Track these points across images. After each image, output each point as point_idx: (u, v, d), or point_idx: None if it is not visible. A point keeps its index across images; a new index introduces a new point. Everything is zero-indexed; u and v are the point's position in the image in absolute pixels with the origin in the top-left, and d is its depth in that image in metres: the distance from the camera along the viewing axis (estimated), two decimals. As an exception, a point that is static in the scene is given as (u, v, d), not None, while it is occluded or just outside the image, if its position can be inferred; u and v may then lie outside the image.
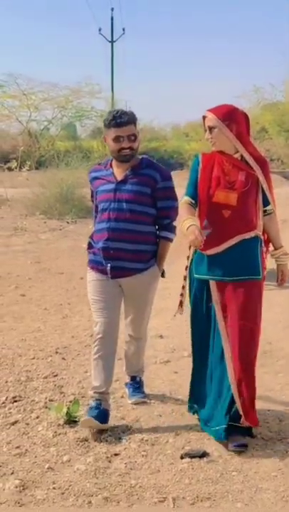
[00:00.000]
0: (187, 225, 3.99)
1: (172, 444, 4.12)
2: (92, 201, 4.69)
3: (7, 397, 4.87)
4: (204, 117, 4.19)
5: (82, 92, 33.80)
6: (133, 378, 4.87)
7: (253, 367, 4.12)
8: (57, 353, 5.98)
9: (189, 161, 29.98)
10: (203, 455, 3.93)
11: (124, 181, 4.42)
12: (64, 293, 8.58)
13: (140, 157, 4.53)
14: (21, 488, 3.55)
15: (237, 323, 4.06)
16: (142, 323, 4.69)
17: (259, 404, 4.32)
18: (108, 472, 3.75)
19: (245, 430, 4.14)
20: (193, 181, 4.24)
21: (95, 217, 4.59)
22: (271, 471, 3.78)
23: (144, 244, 4.43)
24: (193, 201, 4.20)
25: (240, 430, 4.10)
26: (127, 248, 4.35)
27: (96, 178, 4.56)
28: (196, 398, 4.36)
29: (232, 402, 4.07)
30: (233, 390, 4.05)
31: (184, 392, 4.93)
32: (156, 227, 4.57)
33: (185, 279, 4.32)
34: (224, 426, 4.04)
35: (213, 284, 4.15)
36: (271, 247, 4.40)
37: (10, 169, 20.21)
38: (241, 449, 3.99)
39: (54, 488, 3.56)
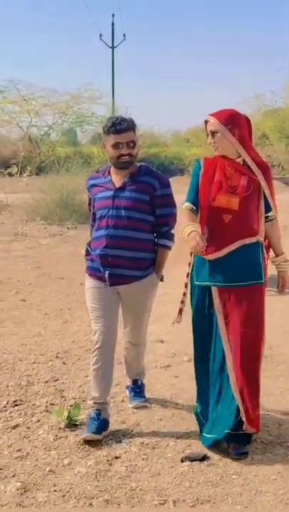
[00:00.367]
0: (188, 231, 3.97)
1: (173, 447, 4.14)
2: (90, 209, 4.69)
3: (8, 401, 4.89)
4: (206, 122, 4.17)
5: (82, 97, 33.83)
6: (134, 382, 4.89)
7: (256, 375, 4.07)
8: (57, 357, 6.00)
9: (190, 166, 30.08)
10: (204, 458, 3.96)
11: (122, 188, 4.42)
12: (64, 298, 8.60)
13: (138, 164, 4.53)
14: (23, 490, 3.58)
15: (239, 330, 4.03)
16: (140, 331, 4.70)
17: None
18: (109, 475, 3.78)
19: (246, 436, 4.09)
20: (194, 187, 4.22)
21: (92, 225, 4.58)
22: (271, 474, 3.80)
23: (143, 252, 4.43)
24: (194, 207, 4.18)
25: (240, 437, 4.05)
26: (126, 255, 4.35)
27: (94, 185, 4.56)
28: (201, 404, 4.29)
29: (237, 410, 4.01)
30: (236, 398, 4.01)
31: (184, 396, 4.97)
32: (154, 234, 4.56)
33: (186, 286, 4.29)
34: (227, 431, 4.01)
35: (214, 291, 4.11)
36: (272, 254, 4.37)
37: (10, 175, 20.23)
38: (242, 457, 4.00)
39: (55, 490, 3.59)
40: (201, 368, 4.28)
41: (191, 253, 4.18)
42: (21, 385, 5.26)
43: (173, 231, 4.58)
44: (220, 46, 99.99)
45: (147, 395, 4.91)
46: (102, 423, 4.28)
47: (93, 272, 4.48)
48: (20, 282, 9.61)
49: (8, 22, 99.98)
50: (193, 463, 3.91)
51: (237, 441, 4.03)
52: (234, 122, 4.11)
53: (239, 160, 4.17)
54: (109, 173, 4.53)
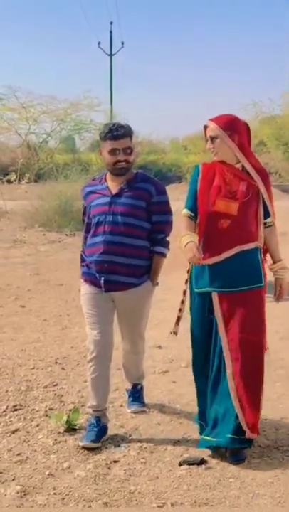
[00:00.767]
0: (185, 241, 3.96)
1: (171, 451, 4.18)
2: (84, 220, 4.66)
3: (8, 406, 4.93)
4: (206, 127, 4.16)
5: (81, 105, 33.98)
6: (134, 386, 4.91)
7: (257, 382, 4.05)
8: (56, 363, 6.04)
9: (188, 174, 30.14)
10: (201, 462, 3.99)
11: (119, 194, 4.42)
12: (63, 304, 8.64)
13: (135, 171, 4.54)
14: (22, 493, 3.62)
15: (239, 337, 4.02)
16: (138, 339, 4.69)
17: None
18: (108, 478, 3.82)
19: (246, 441, 4.08)
20: (192, 193, 4.20)
21: (85, 237, 4.57)
22: (268, 477, 3.84)
23: (138, 259, 4.42)
24: (192, 214, 4.17)
25: (241, 441, 4.05)
26: (121, 262, 4.34)
27: (91, 192, 4.55)
28: (201, 412, 4.30)
29: (237, 416, 4.01)
30: (235, 405, 4.01)
31: (182, 401, 5.02)
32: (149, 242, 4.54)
33: (184, 293, 4.28)
34: (230, 436, 4.01)
35: (215, 296, 4.09)
36: (269, 260, 4.35)
37: (9, 182, 20.30)
38: (240, 462, 4.02)
39: (55, 493, 3.63)
40: (199, 374, 4.28)
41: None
42: (21, 390, 5.30)
43: (168, 238, 4.59)
44: (219, 54, 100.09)
45: (145, 400, 4.95)
46: (101, 430, 4.31)
47: (88, 278, 4.47)
48: (20, 289, 9.65)
49: (6, 30, 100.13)
50: (191, 466, 3.95)
51: (238, 446, 4.03)
52: (234, 128, 4.10)
53: (238, 165, 4.16)
54: (105, 180, 4.53)
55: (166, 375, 5.73)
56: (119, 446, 4.26)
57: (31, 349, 6.52)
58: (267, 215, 4.20)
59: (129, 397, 4.91)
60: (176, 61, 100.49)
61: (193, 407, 4.53)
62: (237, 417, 4.01)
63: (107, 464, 4.00)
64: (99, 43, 43.63)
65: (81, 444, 4.22)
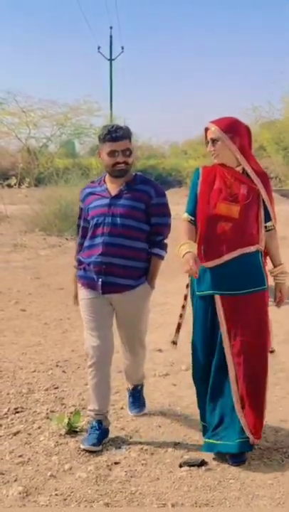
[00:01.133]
0: (183, 251, 3.95)
1: (171, 453, 4.21)
2: (79, 224, 4.63)
3: (9, 409, 4.96)
4: (206, 129, 4.14)
5: (80, 109, 34.04)
6: (134, 387, 4.91)
7: (260, 385, 4.06)
8: (57, 366, 6.08)
9: (188, 178, 30.23)
10: (202, 464, 4.02)
11: (118, 196, 4.41)
12: (64, 308, 8.67)
13: (134, 174, 4.52)
14: (24, 494, 3.65)
15: (242, 340, 4.03)
16: (138, 347, 4.65)
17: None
18: (109, 480, 3.85)
19: (247, 443, 4.08)
20: (192, 197, 4.20)
21: (80, 244, 4.56)
22: (267, 479, 3.87)
23: (136, 261, 4.40)
24: (193, 218, 4.15)
25: (241, 444, 4.04)
26: (119, 264, 4.33)
27: (90, 193, 4.53)
28: (203, 415, 4.29)
29: (238, 421, 4.03)
30: (237, 410, 4.02)
31: (182, 404, 5.05)
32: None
33: (185, 298, 4.26)
34: (238, 440, 4.00)
35: (218, 299, 4.07)
36: (269, 264, 4.32)
37: (9, 186, 20.40)
38: (240, 464, 4.05)
39: (56, 494, 3.65)
40: (199, 377, 4.27)
41: None
42: (22, 392, 5.33)
43: (166, 241, 4.58)
44: (219, 58, 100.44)
45: (146, 402, 4.96)
46: (102, 433, 4.33)
47: (86, 281, 4.45)
48: (20, 292, 9.69)
49: (6, 34, 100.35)
50: (192, 468, 3.98)
51: (247, 449, 4.05)
52: (235, 130, 4.09)
53: (238, 168, 4.15)
54: (104, 181, 4.52)
55: (166, 378, 5.76)
56: (120, 448, 4.29)
57: (32, 352, 6.55)
58: (267, 218, 4.19)
59: (129, 397, 4.93)
60: (177, 67, 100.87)
61: (194, 410, 4.57)
62: (239, 422, 4.03)
63: (108, 465, 4.03)
64: (99, 48, 43.68)
65: (82, 446, 4.25)
